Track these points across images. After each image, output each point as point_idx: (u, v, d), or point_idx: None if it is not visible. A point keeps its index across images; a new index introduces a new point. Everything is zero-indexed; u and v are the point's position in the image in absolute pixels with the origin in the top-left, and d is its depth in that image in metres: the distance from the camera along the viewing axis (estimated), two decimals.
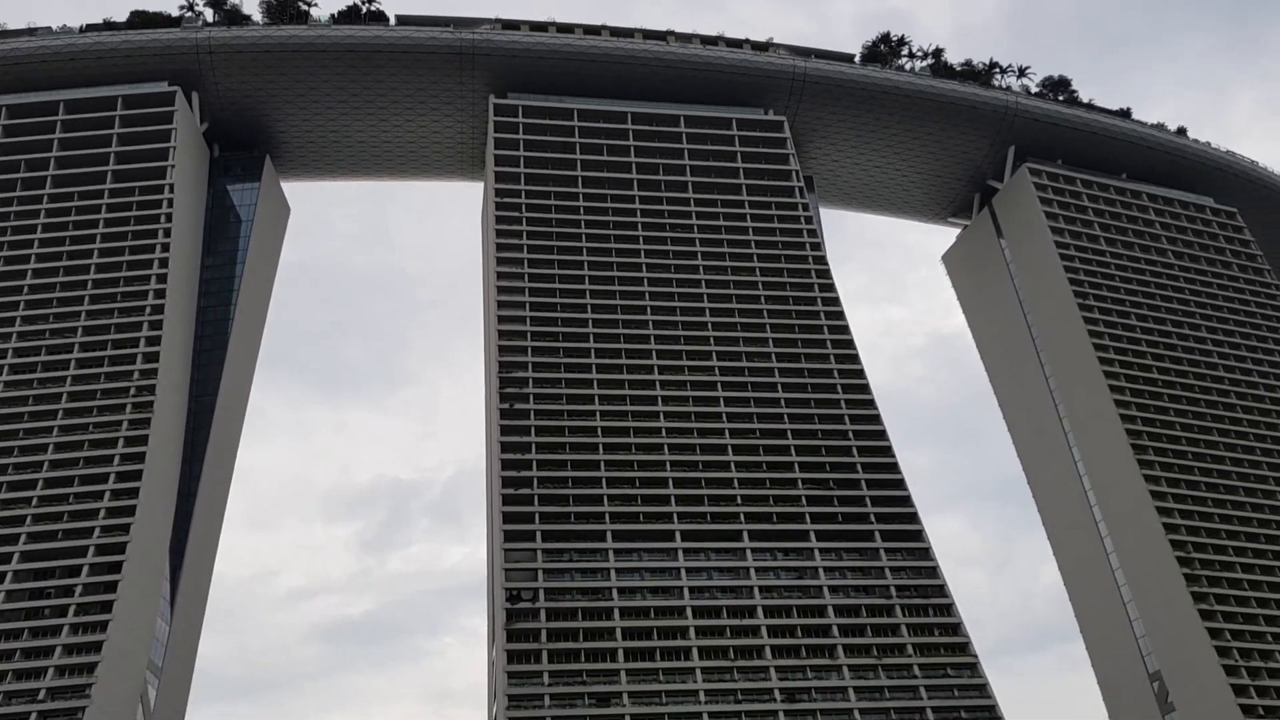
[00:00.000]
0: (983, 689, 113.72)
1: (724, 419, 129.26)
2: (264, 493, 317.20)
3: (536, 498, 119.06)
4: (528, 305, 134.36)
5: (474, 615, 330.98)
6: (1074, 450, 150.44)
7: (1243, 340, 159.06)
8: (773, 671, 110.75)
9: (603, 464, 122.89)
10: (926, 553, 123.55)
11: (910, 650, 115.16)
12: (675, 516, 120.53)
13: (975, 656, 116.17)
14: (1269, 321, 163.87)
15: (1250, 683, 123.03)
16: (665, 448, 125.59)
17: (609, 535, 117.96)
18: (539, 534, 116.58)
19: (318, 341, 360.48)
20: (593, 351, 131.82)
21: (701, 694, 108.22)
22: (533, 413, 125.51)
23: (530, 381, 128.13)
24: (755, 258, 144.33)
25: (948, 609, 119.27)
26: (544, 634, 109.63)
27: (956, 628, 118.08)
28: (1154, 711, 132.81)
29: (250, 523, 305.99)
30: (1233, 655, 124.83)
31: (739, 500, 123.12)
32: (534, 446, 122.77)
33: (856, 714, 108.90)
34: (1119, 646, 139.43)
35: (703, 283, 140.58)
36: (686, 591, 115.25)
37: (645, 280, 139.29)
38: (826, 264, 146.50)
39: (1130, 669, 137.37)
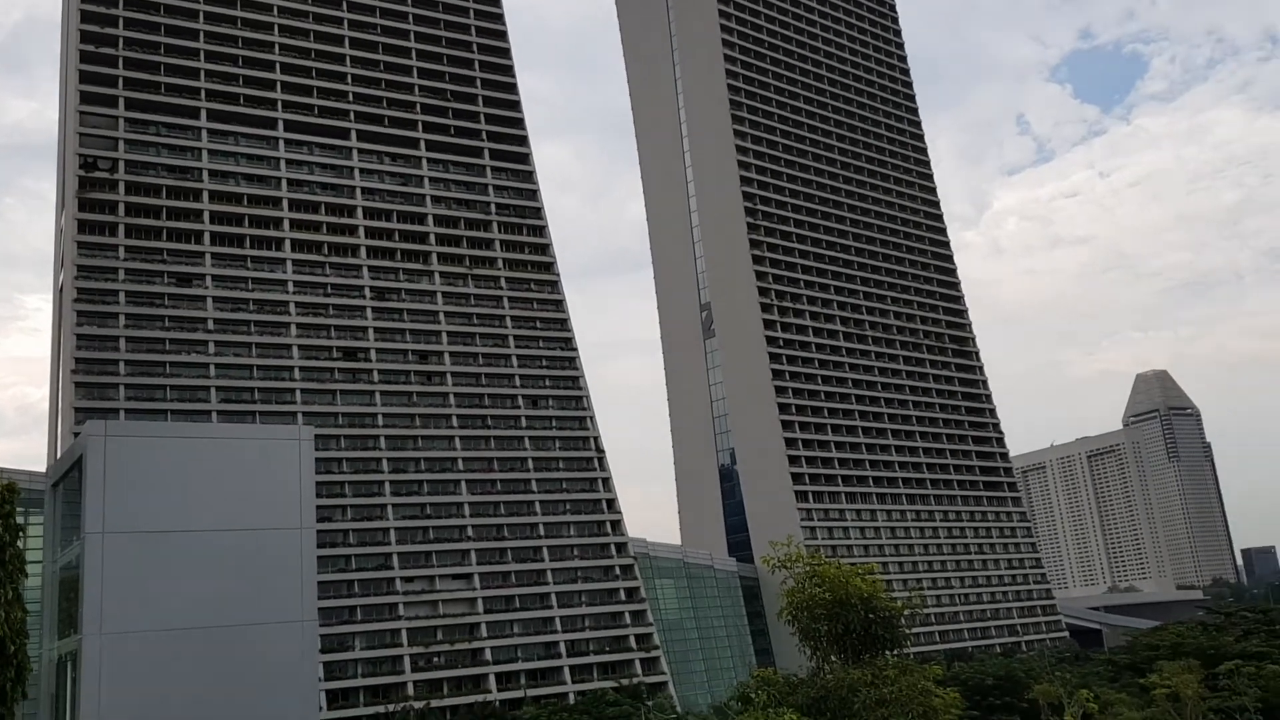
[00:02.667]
0: (559, 304, 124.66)
1: (344, 7, 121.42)
2: None
3: (121, 60, 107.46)
4: None
5: (42, 179, 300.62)
6: (680, 96, 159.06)
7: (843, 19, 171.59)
8: (366, 271, 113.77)
9: (202, 35, 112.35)
10: (530, 175, 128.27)
11: (500, 264, 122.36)
12: (280, 104, 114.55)
13: (557, 275, 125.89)
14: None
15: (778, 319, 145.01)
16: (275, 28, 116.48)
17: (204, 114, 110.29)
18: (122, 100, 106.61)
19: None
20: None
21: (291, 284, 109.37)
22: None
23: None
24: None
25: (540, 230, 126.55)
26: (122, 207, 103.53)
27: (545, 248, 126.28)
28: (698, 334, 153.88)
29: None
30: (770, 295, 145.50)
31: (351, 97, 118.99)
32: (120, 2, 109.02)
33: (442, 316, 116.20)
34: (681, 278, 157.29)
35: None
36: (284, 183, 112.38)
37: None
38: None
39: (686, 298, 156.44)
